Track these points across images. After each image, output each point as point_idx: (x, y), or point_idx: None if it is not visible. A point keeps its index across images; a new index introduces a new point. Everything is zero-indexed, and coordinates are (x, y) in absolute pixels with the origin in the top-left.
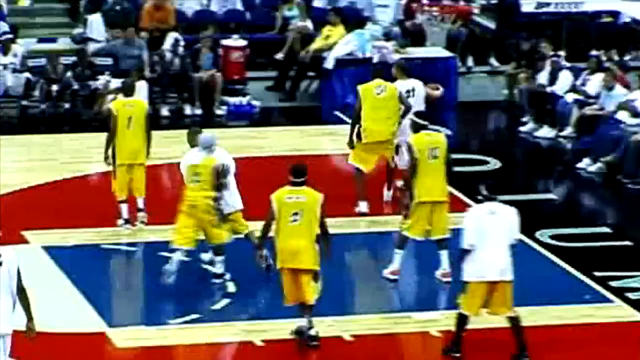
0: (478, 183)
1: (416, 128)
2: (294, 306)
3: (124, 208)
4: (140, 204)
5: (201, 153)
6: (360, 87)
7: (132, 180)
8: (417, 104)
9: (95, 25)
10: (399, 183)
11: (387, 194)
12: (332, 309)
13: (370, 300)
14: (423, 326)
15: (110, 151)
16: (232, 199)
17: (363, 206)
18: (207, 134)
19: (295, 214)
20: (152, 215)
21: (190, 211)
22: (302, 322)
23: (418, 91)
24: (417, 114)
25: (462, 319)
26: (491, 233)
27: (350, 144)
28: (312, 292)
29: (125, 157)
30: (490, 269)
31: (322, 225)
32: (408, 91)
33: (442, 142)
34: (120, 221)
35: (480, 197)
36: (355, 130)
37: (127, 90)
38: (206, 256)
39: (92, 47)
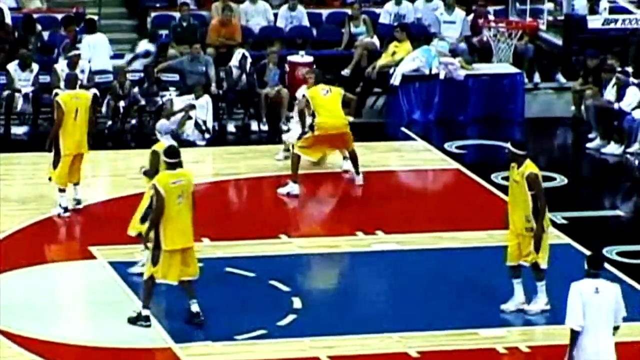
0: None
1: (517, 157)
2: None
3: (64, 196)
4: (79, 193)
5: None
6: (307, 92)
7: (73, 168)
8: None
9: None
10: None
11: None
12: (398, 325)
13: (436, 317)
14: (490, 343)
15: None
16: None
17: (295, 188)
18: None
19: (179, 196)
20: (218, 231)
21: None
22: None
23: None
24: (515, 144)
25: None
26: (596, 314)
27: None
28: (197, 266)
29: (72, 148)
30: (597, 354)
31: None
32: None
33: None
34: (57, 210)
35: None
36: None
37: (72, 83)
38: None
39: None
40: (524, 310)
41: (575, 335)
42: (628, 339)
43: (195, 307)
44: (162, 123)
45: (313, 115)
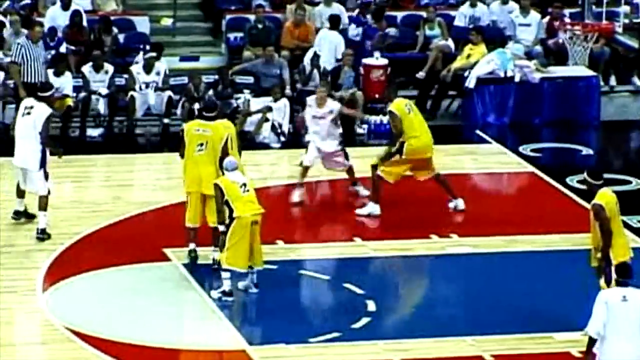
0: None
1: (592, 187)
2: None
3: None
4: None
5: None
6: (393, 108)
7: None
8: None
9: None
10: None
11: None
12: (472, 329)
13: (510, 320)
14: (564, 347)
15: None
16: None
17: (376, 209)
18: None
19: (201, 144)
20: (292, 233)
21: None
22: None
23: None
24: (591, 173)
25: None
26: (623, 322)
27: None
28: (214, 215)
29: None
30: None
31: (222, 160)
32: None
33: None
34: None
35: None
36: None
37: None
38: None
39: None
40: None
41: (591, 342)
42: None
43: (215, 255)
44: (228, 160)
45: (400, 134)
